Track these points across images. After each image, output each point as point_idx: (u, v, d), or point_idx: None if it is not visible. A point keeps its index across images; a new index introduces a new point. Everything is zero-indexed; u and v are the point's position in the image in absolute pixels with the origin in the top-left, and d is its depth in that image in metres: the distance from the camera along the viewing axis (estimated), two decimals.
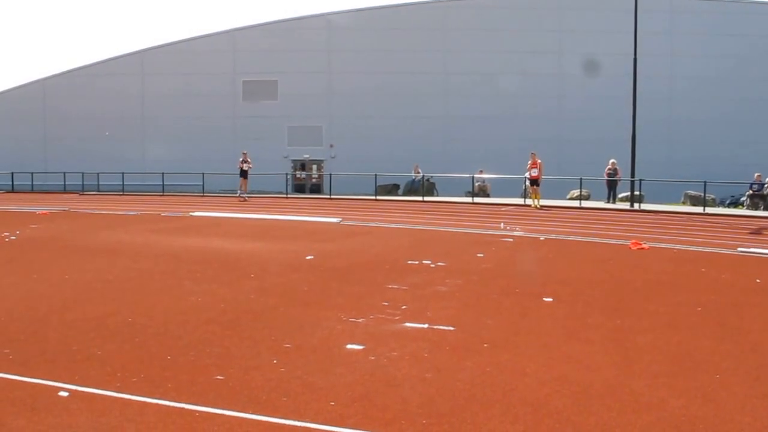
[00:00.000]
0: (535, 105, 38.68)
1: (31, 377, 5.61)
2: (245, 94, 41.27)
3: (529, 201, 26.97)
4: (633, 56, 26.21)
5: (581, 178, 28.56)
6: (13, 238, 16.04)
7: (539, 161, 26.23)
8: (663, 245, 15.63)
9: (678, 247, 15.45)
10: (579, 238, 16.90)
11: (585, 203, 27.63)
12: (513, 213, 23.75)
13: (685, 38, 38.52)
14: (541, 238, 16.75)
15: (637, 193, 26.95)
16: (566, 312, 8.43)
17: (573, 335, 7.27)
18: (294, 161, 41.07)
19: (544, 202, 26.35)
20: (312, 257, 12.89)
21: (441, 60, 39.62)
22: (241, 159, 30.83)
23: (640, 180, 26.70)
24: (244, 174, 30.84)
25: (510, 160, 33.60)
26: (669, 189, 30.06)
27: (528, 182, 27.14)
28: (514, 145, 36.07)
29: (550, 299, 9.12)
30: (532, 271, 11.97)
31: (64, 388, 5.33)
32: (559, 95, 39.00)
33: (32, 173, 38.91)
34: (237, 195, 31.23)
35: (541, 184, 26.52)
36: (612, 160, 28.77)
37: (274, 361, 6.14)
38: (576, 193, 29.51)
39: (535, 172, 26.20)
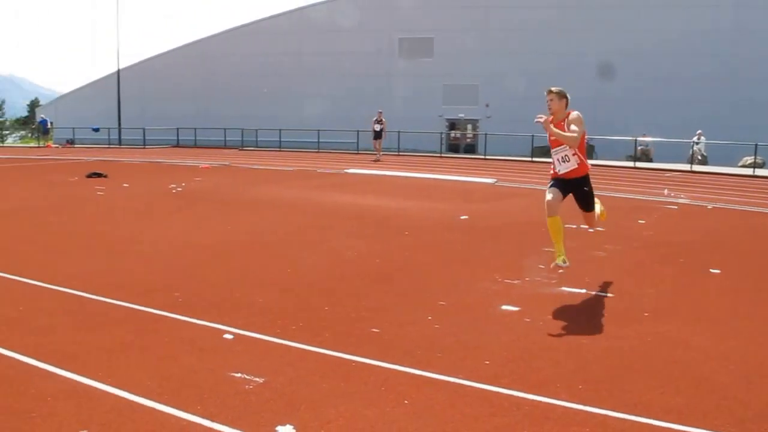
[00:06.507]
0: (709, 65, 36.20)
1: (198, 319, 5.89)
2: (401, 52, 41.42)
3: (696, 167, 25.32)
4: None
5: (756, 144, 26.51)
6: (180, 189, 17.06)
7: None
8: None
9: None
10: (751, 209, 15.73)
11: (759, 171, 25.68)
12: (678, 179, 22.48)
13: None
14: (709, 207, 15.76)
15: None
16: (735, 285, 7.82)
17: (742, 310, 6.72)
18: (449, 120, 40.92)
19: (710, 168, 24.56)
20: (466, 217, 12.78)
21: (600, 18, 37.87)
22: (375, 118, 29.71)
23: None
24: (377, 135, 29.77)
25: (673, 123, 31.85)
26: None
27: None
28: (674, 108, 34.13)
29: (718, 271, 8.50)
30: (698, 240, 11.24)
31: (229, 331, 5.56)
32: (732, 53, 36.25)
33: (195, 128, 41.10)
34: (374, 158, 29.85)
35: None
36: None
37: (429, 318, 6.12)
38: (749, 160, 27.48)
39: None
